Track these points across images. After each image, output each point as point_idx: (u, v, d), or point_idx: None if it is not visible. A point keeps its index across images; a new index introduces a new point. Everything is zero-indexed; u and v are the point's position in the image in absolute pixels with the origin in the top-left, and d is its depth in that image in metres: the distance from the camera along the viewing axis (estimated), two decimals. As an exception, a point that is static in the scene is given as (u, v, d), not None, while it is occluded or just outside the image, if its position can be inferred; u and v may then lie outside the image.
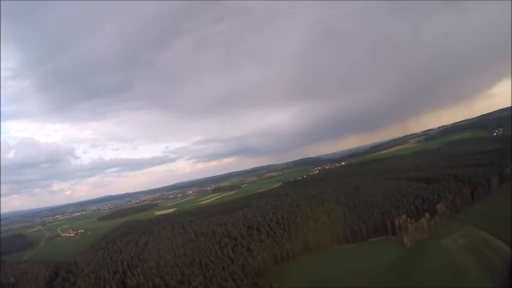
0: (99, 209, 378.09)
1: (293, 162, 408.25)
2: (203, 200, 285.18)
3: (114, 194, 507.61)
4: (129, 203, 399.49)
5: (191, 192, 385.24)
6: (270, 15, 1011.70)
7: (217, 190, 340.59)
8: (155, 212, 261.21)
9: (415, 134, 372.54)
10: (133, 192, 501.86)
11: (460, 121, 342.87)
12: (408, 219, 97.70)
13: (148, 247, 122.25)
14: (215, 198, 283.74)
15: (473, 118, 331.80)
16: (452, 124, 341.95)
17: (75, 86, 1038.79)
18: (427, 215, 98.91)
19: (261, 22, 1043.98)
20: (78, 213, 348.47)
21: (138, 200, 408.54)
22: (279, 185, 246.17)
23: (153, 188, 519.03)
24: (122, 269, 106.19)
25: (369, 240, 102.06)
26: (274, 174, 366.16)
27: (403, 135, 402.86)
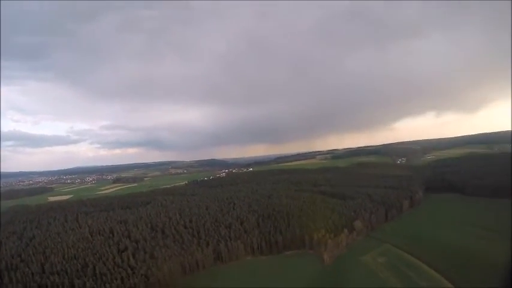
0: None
1: (199, 161, 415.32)
2: (103, 190, 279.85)
3: (6, 171, 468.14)
4: (22, 183, 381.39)
5: (90, 179, 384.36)
6: (203, 14, 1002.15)
7: (118, 180, 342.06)
8: (48, 198, 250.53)
9: (321, 151, 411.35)
10: (28, 172, 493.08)
11: (364, 146, 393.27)
12: (327, 234, 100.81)
13: (34, 243, 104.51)
14: (116, 189, 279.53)
15: (376, 146, 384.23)
16: (357, 148, 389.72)
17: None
18: (345, 231, 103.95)
19: (193, 18, 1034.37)
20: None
21: (31, 181, 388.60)
22: (184, 183, 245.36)
23: (50, 169, 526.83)
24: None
25: (284, 253, 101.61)
26: (179, 171, 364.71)
27: (309, 151, 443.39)
